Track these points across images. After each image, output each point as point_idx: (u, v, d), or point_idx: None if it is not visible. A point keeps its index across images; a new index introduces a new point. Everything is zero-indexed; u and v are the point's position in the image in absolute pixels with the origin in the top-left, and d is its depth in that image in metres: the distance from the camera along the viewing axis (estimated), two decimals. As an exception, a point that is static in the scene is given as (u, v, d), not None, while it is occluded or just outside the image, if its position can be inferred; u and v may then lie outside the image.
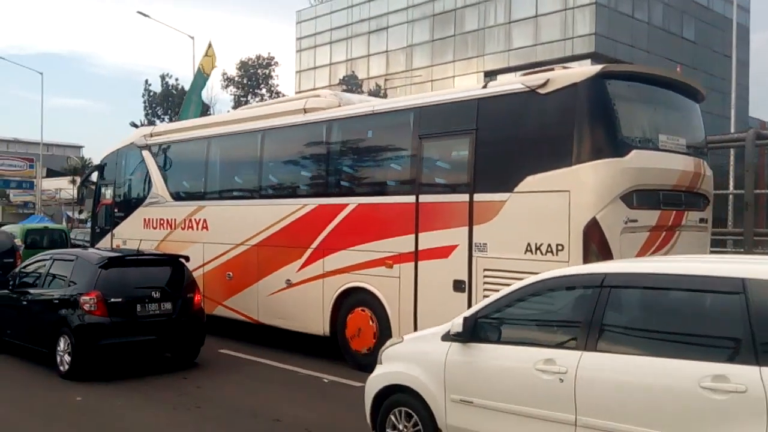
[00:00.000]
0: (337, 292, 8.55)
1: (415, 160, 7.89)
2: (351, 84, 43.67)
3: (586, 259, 6.40)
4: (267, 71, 41.77)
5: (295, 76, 50.42)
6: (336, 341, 8.71)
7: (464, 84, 40.90)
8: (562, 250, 6.61)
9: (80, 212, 36.03)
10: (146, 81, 42.48)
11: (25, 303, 8.91)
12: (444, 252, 7.52)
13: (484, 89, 7.51)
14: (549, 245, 6.70)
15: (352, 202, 8.49)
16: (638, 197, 6.71)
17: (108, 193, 12.37)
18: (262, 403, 7.06)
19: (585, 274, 4.62)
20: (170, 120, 35.81)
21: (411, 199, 7.84)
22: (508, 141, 7.19)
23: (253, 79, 42.04)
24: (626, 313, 4.34)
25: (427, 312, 7.57)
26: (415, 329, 7.29)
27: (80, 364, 7.97)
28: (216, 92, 57.85)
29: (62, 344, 8.08)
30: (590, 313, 4.19)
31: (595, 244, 6.48)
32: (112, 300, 8.01)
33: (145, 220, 11.44)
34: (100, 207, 12.58)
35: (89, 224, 15.60)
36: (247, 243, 9.68)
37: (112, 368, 8.26)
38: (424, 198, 7.76)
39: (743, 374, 3.51)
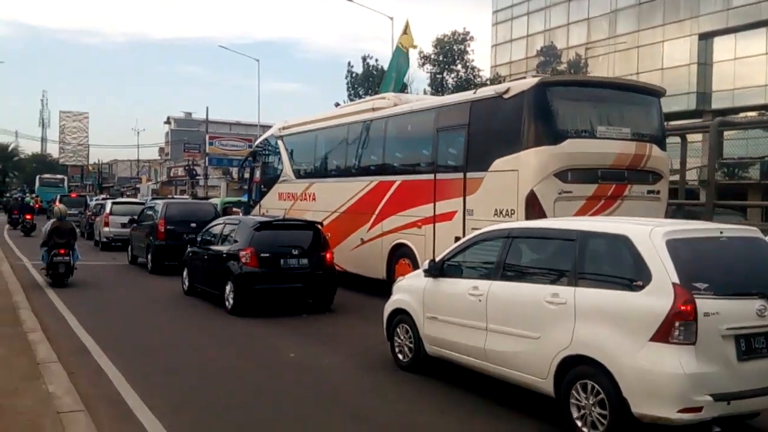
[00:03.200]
0: (389, 247, 12.86)
1: (434, 147, 11.89)
2: (549, 55, 45.81)
3: (528, 220, 9.89)
4: (462, 47, 44.33)
5: (490, 51, 53.59)
6: (390, 284, 13.04)
7: (675, 49, 41.41)
8: (514, 213, 10.17)
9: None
10: (348, 63, 48.54)
11: (206, 257, 12.75)
12: (449, 216, 11.43)
13: (474, 94, 11.27)
14: (507, 210, 10.30)
15: (398, 179, 12.75)
16: (573, 174, 10.00)
17: (257, 173, 18.10)
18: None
19: (499, 229, 7.30)
20: None
21: (431, 177, 11.86)
22: (486, 133, 10.87)
23: (448, 55, 44.92)
24: (517, 255, 6.87)
25: (439, 261, 11.54)
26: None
27: (240, 304, 11.32)
28: (412, 70, 62.74)
29: (228, 288, 11.58)
30: (499, 255, 6.84)
31: (533, 209, 9.94)
32: (262, 255, 11.32)
33: (279, 194, 16.87)
34: (252, 184, 18.39)
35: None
36: (338, 210, 14.44)
37: (266, 308, 11.47)
38: (439, 176, 11.73)
39: (566, 292, 5.96)
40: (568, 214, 9.79)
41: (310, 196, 15.61)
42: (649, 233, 5.63)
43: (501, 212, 10.36)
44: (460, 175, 11.18)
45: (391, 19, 50.21)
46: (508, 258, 6.78)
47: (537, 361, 6.13)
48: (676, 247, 5.52)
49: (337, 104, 44.21)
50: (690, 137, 17.19)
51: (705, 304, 5.27)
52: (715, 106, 39.19)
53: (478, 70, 45.11)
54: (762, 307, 5.49)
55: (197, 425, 6.17)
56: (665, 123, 11.30)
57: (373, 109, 13.68)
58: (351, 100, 43.89)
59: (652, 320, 5.31)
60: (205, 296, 12.89)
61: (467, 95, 11.53)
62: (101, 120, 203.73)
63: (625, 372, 5.41)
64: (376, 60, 46.61)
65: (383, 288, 13.11)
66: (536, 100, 10.06)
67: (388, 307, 8.31)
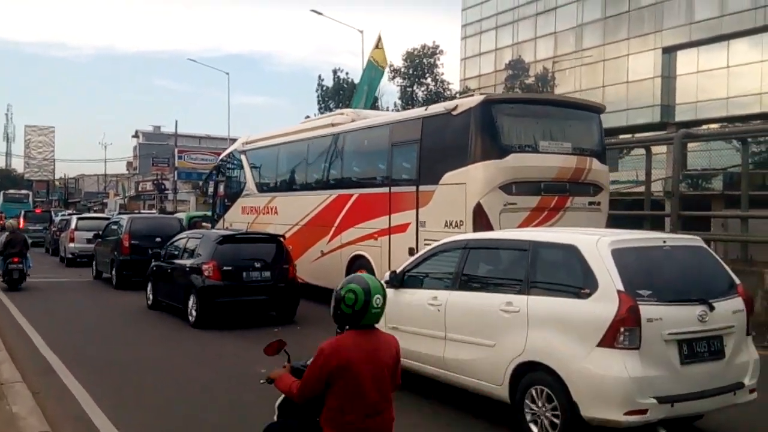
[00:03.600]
0: (348, 258, 13.46)
1: (389, 162, 12.55)
2: (517, 68, 47.09)
3: (475, 231, 10.56)
4: (432, 60, 45.46)
5: (460, 64, 54.78)
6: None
7: (640, 63, 42.67)
8: (462, 224, 10.83)
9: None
10: (319, 76, 48.90)
11: (169, 271, 13.14)
12: (403, 228, 12.06)
13: (425, 111, 11.97)
14: (456, 221, 10.96)
15: (356, 192, 13.39)
16: (517, 187, 10.69)
17: (221, 187, 18.64)
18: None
19: (456, 240, 7.63)
20: None
21: (386, 190, 12.51)
22: (437, 148, 11.55)
23: (418, 69, 45.81)
24: (473, 266, 7.14)
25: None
26: (388, 283, 11.95)
27: (203, 316, 11.75)
28: (383, 84, 63.47)
29: (191, 301, 11.98)
30: (457, 266, 7.11)
31: (480, 220, 10.60)
32: (225, 268, 11.75)
33: (242, 207, 17.43)
34: (216, 198, 18.92)
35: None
36: (299, 223, 15.03)
37: (230, 321, 11.91)
38: (394, 189, 12.38)
39: (519, 301, 6.22)
40: (513, 225, 10.43)
41: (272, 209, 16.17)
42: (596, 243, 5.94)
43: (451, 223, 11.02)
44: (413, 188, 11.84)
45: (361, 32, 50.49)
46: (465, 268, 7.08)
47: (493, 368, 6.40)
48: (621, 256, 5.80)
49: (307, 117, 44.90)
50: (654, 149, 17.94)
51: (648, 310, 5.54)
52: (678, 118, 40.50)
53: (448, 84, 46.25)
54: (703, 313, 5.75)
55: None
56: (619, 137, 12.17)
57: (332, 125, 14.33)
58: (321, 113, 44.38)
59: (598, 326, 5.58)
60: (169, 310, 13.29)
61: (419, 111, 12.24)
62: (68, 134, 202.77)
63: (575, 377, 5.68)
64: (347, 73, 47.75)
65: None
66: (482, 116, 10.76)
67: None
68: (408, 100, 44.53)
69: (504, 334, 6.31)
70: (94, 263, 20.16)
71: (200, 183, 57.89)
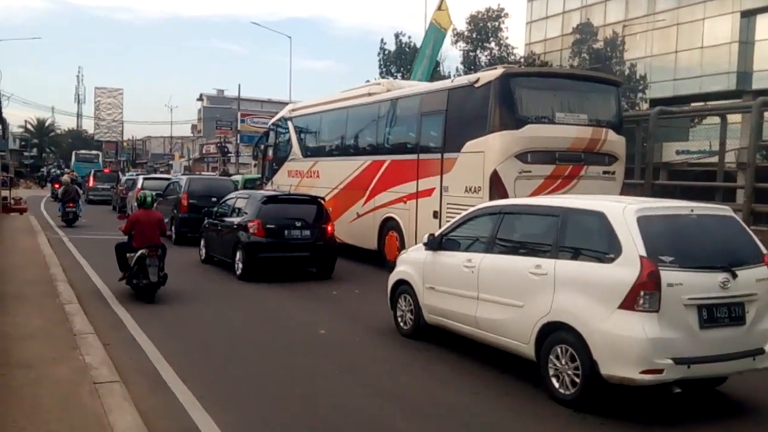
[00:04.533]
0: (380, 220, 14.78)
1: (418, 130, 13.74)
2: (585, 33, 46.62)
3: (491, 197, 11.64)
4: (496, 24, 45.70)
5: (525, 28, 54.69)
6: (380, 254, 15.00)
7: (716, 27, 41.90)
8: (480, 190, 11.96)
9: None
10: (381, 40, 49.66)
11: (220, 228, 14.66)
12: (429, 193, 13.28)
13: (451, 83, 13.07)
14: (474, 187, 12.10)
15: (388, 158, 14.65)
16: (532, 156, 11.73)
17: (270, 151, 20.23)
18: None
19: (492, 206, 8.21)
20: (402, 78, 41.45)
21: (415, 157, 13.72)
22: (460, 118, 12.66)
23: (482, 33, 45.94)
24: (506, 230, 7.61)
25: (421, 231, 13.37)
26: (416, 243, 13.24)
27: (247, 270, 13.12)
28: (445, 48, 62.80)
29: (238, 256, 13.40)
30: (491, 231, 7.61)
31: (496, 186, 11.73)
32: (268, 226, 13.06)
33: (288, 171, 18.96)
34: (265, 162, 20.52)
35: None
36: (338, 187, 16.42)
37: (270, 274, 13.15)
38: (422, 156, 13.57)
39: (548, 264, 6.65)
40: (527, 192, 11.49)
41: (314, 173, 17.64)
42: (623, 210, 6.30)
43: (470, 189, 12.17)
44: (439, 155, 13.01)
45: None
46: (499, 233, 7.59)
47: (520, 327, 6.88)
48: (646, 224, 6.16)
49: (367, 81, 45.86)
50: (729, 118, 17.51)
51: (669, 275, 5.91)
52: (756, 86, 39.57)
53: (512, 48, 46.06)
54: (725, 280, 6.07)
55: (230, 397, 6.57)
56: (628, 110, 12.94)
57: (369, 94, 15.59)
58: (382, 77, 44.88)
59: (620, 290, 5.96)
60: (220, 264, 14.79)
61: (446, 83, 13.37)
62: (135, 96, 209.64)
63: (595, 337, 6.08)
64: (409, 37, 47.78)
65: (376, 258, 15.14)
66: (501, 89, 11.80)
67: (392, 278, 9.28)
68: (470, 65, 44.70)
69: (532, 296, 6.79)
70: (156, 221, 21.97)
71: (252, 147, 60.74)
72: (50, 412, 5.61)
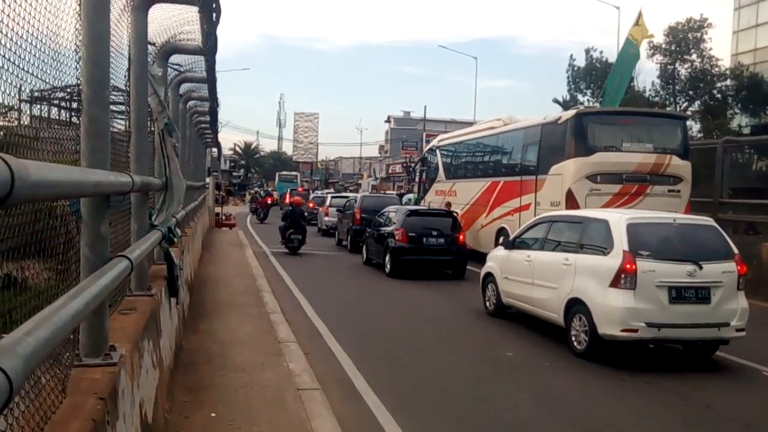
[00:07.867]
0: (496, 230, 19.10)
1: (522, 157, 18.05)
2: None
3: (567, 209, 15.73)
4: (698, 34, 41.92)
5: (731, 37, 50.96)
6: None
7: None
8: (559, 204, 15.98)
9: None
10: (571, 56, 47.37)
11: (375, 236, 18.66)
12: (527, 207, 17.40)
13: (544, 120, 17.28)
14: (556, 202, 16.13)
15: (501, 180, 19.05)
16: (601, 177, 15.47)
17: (424, 174, 25.38)
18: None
19: (545, 216, 11.76)
20: (592, 94, 41.68)
21: (519, 178, 18.03)
22: (549, 147, 16.70)
23: (682, 44, 42.25)
24: (553, 234, 10.70)
25: (523, 238, 17.72)
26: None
27: (394, 269, 16.92)
28: (640, 62, 54.23)
29: (387, 257, 17.61)
30: (544, 234, 10.90)
31: (570, 201, 15.70)
32: (410, 234, 17.31)
33: (436, 190, 23.87)
34: (420, 183, 25.71)
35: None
36: (469, 203, 20.95)
37: (411, 273, 16.98)
38: (523, 178, 17.85)
39: (572, 257, 9.72)
40: (598, 206, 15.04)
41: (453, 192, 22.37)
42: (619, 219, 9.13)
43: (553, 203, 16.15)
44: (534, 177, 17.21)
45: (618, 8, 47.84)
46: (548, 235, 10.71)
47: (556, 303, 9.77)
48: (633, 228, 8.93)
49: (555, 101, 44.82)
50: None
51: (644, 264, 8.56)
52: None
53: (716, 60, 42.13)
54: (692, 270, 8.58)
55: (423, 415, 6.91)
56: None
57: (491, 128, 20.22)
58: (571, 94, 45.01)
59: (610, 273, 8.74)
60: (377, 265, 18.66)
61: (539, 120, 17.59)
62: (329, 119, 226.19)
63: (595, 306, 8.86)
64: (601, 52, 45.46)
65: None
66: (575, 125, 15.77)
67: (482, 271, 12.61)
68: (668, 79, 42.76)
69: (562, 280, 9.76)
70: (336, 233, 26.86)
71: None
72: (260, 415, 6.11)
